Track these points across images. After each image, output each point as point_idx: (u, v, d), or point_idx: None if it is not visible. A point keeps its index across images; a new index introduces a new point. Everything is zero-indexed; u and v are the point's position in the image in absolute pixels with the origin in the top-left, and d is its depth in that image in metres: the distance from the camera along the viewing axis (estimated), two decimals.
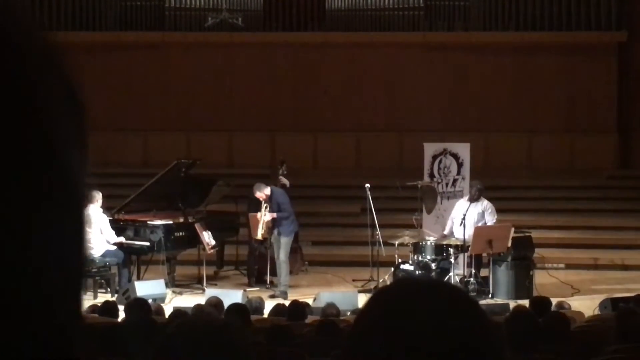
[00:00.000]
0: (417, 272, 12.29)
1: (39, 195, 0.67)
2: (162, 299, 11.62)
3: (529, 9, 19.26)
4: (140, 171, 16.83)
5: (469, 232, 12.33)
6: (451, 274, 12.16)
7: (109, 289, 12.43)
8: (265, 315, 9.82)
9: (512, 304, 11.08)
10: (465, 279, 12.35)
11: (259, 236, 12.89)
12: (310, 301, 11.01)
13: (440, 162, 14.28)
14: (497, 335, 1.15)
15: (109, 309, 8.81)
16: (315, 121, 19.46)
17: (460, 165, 14.23)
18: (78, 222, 0.71)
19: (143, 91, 19.40)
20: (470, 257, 12.54)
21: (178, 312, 8.35)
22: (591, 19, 19.16)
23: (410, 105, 19.35)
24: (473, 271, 12.41)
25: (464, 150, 14.39)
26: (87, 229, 0.72)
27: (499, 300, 12.06)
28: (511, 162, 18.91)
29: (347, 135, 19.33)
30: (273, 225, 12.78)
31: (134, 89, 19.34)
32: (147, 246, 12.80)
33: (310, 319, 8.95)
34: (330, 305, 9.71)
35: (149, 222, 12.98)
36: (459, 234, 12.53)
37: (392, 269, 12.67)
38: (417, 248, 12.56)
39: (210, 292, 11.20)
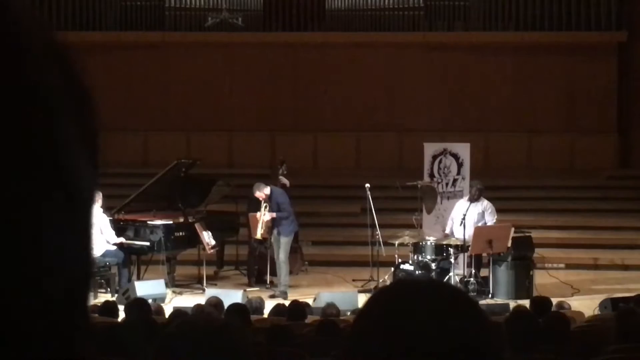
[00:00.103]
0: (417, 272, 12.29)
1: (40, 196, 0.67)
2: (162, 299, 11.62)
3: (529, 9, 19.27)
4: (140, 171, 16.83)
5: (469, 232, 12.33)
6: (451, 274, 12.16)
7: (109, 289, 12.43)
8: (265, 315, 9.82)
9: (512, 304, 11.08)
10: (465, 279, 12.35)
11: (258, 236, 12.89)
12: (310, 301, 11.01)
13: (440, 162, 14.29)
14: (496, 336, 1.15)
15: (109, 309, 8.81)
16: (315, 121, 19.47)
17: (460, 165, 14.23)
18: (83, 224, 0.70)
19: (143, 91, 19.41)
20: (470, 257, 12.54)
21: (178, 312, 8.35)
22: (591, 19, 19.16)
23: (410, 105, 19.35)
24: (473, 271, 12.41)
25: (464, 150, 14.39)
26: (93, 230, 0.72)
27: (499, 300, 12.05)
28: (511, 162, 18.92)
29: (347, 135, 19.34)
30: (273, 225, 12.77)
31: (134, 89, 19.34)
32: (147, 246, 12.80)
33: (310, 319, 8.95)
34: (330, 305, 9.71)
35: (149, 222, 12.98)
36: (459, 234, 12.53)
37: (392, 269, 12.67)
38: (417, 248, 12.56)
39: (210, 292, 11.20)
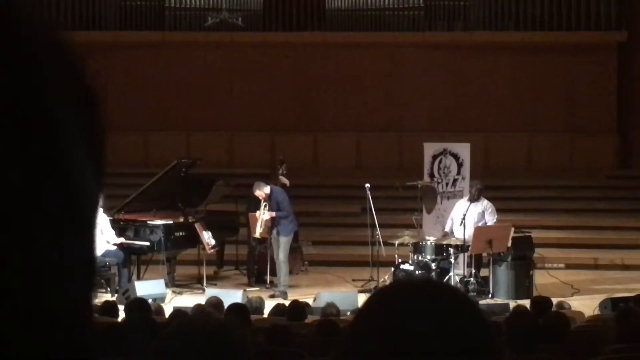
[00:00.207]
0: (417, 272, 12.28)
1: (42, 196, 0.66)
2: (162, 299, 11.62)
3: (529, 9, 19.27)
4: (140, 171, 16.83)
5: (469, 232, 12.32)
6: (451, 274, 12.16)
7: (109, 289, 12.43)
8: (265, 315, 9.82)
9: (512, 304, 11.08)
10: (465, 279, 12.34)
11: (257, 234, 12.89)
12: (310, 301, 11.00)
13: (440, 162, 14.28)
14: (496, 336, 1.15)
15: (109, 309, 8.80)
16: (315, 121, 19.47)
17: (460, 165, 14.22)
18: (86, 226, 0.70)
19: (143, 91, 19.40)
20: (470, 257, 12.54)
21: (178, 312, 8.35)
22: (591, 19, 19.16)
23: (410, 106, 19.35)
24: (473, 271, 12.41)
25: (464, 150, 14.39)
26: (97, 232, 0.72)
27: (499, 300, 12.05)
28: (511, 162, 18.92)
29: (347, 135, 19.34)
30: (272, 224, 12.77)
31: (134, 88, 19.34)
32: (147, 246, 12.80)
33: (310, 319, 8.95)
34: (330, 305, 9.70)
35: (149, 222, 12.98)
36: (459, 234, 12.52)
37: (392, 269, 12.66)
38: (417, 248, 12.56)
39: (210, 292, 11.20)
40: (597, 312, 10.39)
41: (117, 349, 5.05)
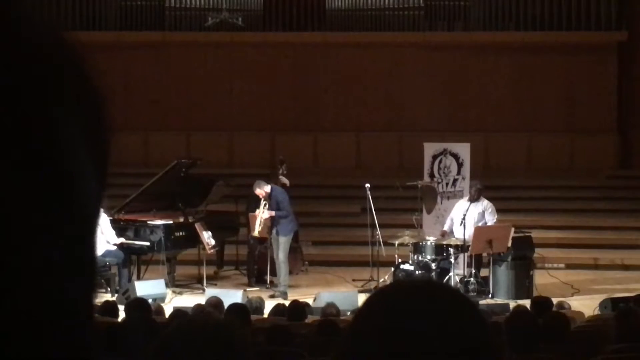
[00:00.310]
0: (417, 272, 12.28)
1: (42, 196, 0.66)
2: (162, 299, 11.62)
3: (529, 9, 19.27)
4: (140, 171, 16.82)
5: (469, 232, 12.33)
6: (451, 274, 12.16)
7: (109, 289, 12.43)
8: (265, 315, 9.82)
9: (512, 304, 11.08)
10: (465, 279, 12.34)
11: (256, 233, 12.89)
12: (310, 301, 11.01)
13: (440, 162, 14.29)
14: (496, 336, 1.15)
15: (109, 309, 8.81)
16: (315, 121, 19.47)
17: (460, 165, 14.23)
18: (87, 226, 0.70)
19: (143, 91, 19.40)
20: (470, 257, 12.54)
21: (178, 312, 8.35)
22: (591, 19, 19.16)
23: (410, 105, 19.36)
24: (473, 271, 12.41)
25: (464, 150, 14.39)
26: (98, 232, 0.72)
27: (499, 300, 12.05)
28: (511, 162, 18.92)
29: (347, 135, 19.34)
30: (272, 224, 12.78)
31: (134, 89, 19.33)
32: (147, 246, 12.81)
33: (310, 319, 8.95)
34: (330, 305, 9.71)
35: (149, 222, 12.98)
36: (459, 234, 12.53)
37: (392, 269, 12.67)
38: (417, 248, 12.56)
39: (210, 292, 11.20)
40: (597, 312, 10.40)
41: (117, 349, 5.05)
